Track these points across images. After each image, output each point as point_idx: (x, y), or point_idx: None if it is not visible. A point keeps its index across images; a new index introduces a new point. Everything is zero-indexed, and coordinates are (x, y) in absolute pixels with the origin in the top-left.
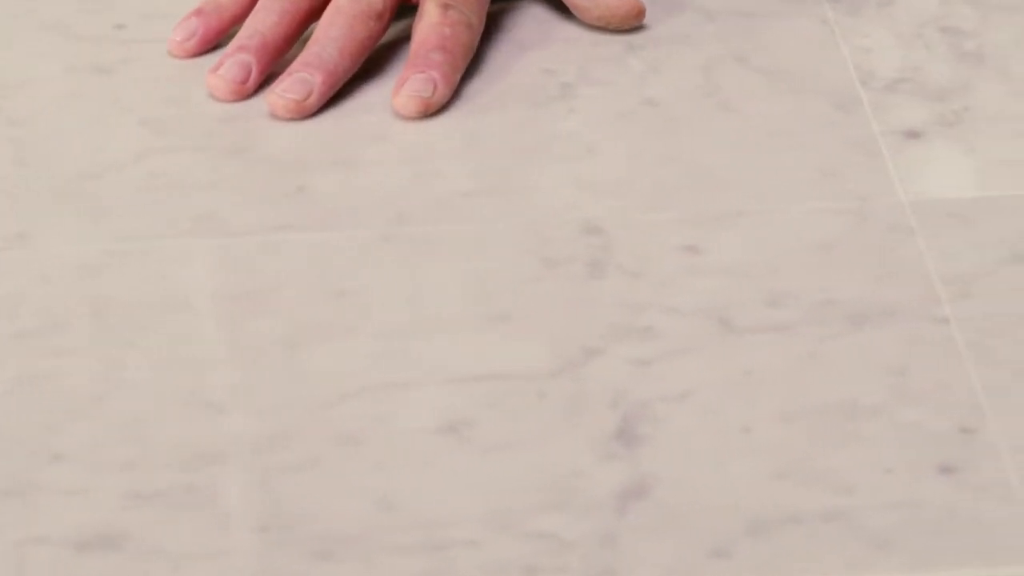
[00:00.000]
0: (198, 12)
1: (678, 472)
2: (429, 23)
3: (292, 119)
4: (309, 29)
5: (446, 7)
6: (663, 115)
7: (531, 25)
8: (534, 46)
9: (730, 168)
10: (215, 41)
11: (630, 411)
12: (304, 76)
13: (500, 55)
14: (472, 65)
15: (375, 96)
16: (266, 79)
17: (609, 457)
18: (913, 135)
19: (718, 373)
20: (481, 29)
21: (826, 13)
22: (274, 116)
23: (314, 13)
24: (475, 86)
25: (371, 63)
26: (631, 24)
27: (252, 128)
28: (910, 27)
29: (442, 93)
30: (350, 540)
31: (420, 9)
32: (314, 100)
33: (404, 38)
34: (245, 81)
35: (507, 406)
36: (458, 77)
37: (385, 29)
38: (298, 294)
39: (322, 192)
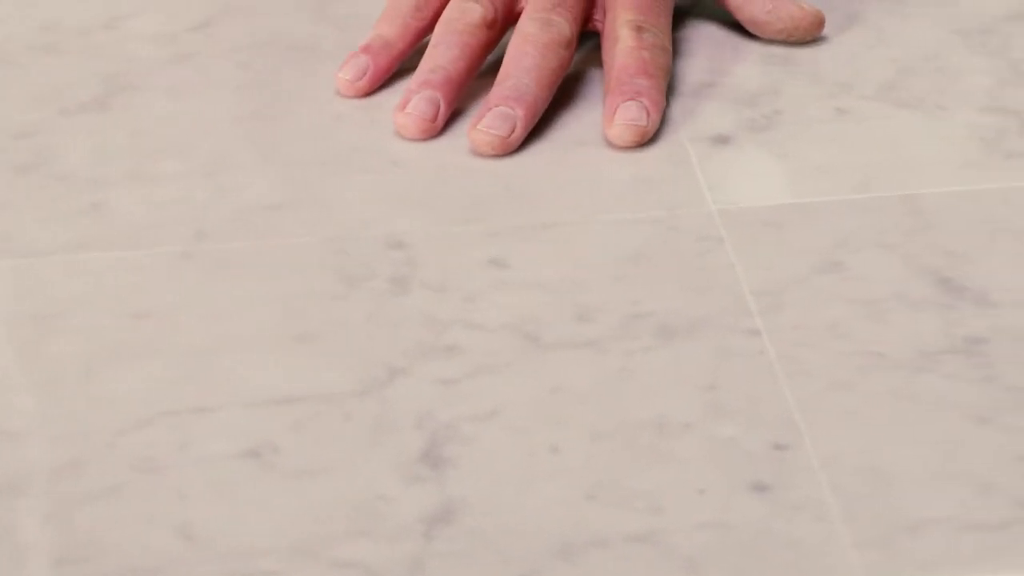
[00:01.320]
0: (366, 49)
1: (486, 494)
2: (626, 48)
3: (496, 156)
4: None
5: (640, 30)
6: (467, 125)
7: None
8: (332, 54)
9: (536, 179)
10: (384, 79)
11: (436, 432)
12: (506, 111)
13: None
14: (274, 73)
15: None
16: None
17: (415, 480)
18: (722, 141)
19: (526, 391)
20: (671, 51)
21: None
22: (477, 153)
23: (491, 44)
24: (278, 94)
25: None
26: (814, 35)
27: (44, 144)
28: (718, 30)
29: (655, 120)
30: (149, 572)
31: (610, 34)
32: (518, 135)
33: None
34: (434, 119)
35: (311, 429)
36: (664, 102)
37: (572, 57)
38: (95, 316)
39: (119, 209)
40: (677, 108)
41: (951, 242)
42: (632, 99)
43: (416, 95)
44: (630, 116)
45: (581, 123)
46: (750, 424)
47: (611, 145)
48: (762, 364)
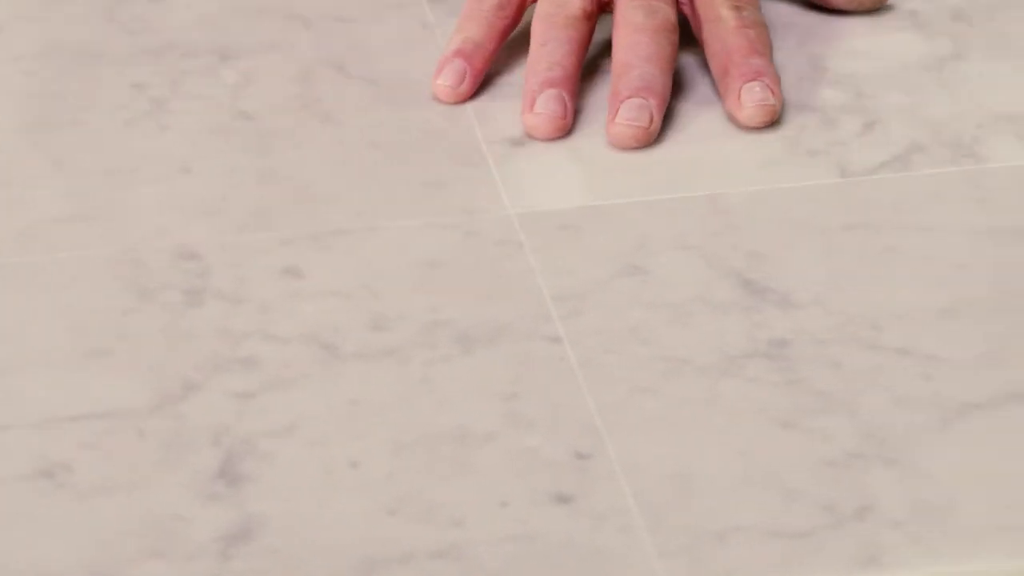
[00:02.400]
0: (458, 53)
1: (285, 511)
2: (730, 28)
3: (639, 148)
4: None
5: (738, 8)
6: (259, 129)
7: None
8: (122, 60)
9: (331, 184)
10: (481, 80)
11: (233, 448)
12: (640, 101)
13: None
14: (62, 80)
15: None
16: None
17: (212, 498)
18: (520, 143)
19: (324, 403)
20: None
21: (427, 16)
22: (619, 146)
23: (591, 35)
24: (66, 102)
25: None
26: (881, 4)
27: None
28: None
29: (779, 98)
30: None
31: (708, 15)
32: (656, 124)
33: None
34: (564, 116)
35: (105, 447)
36: (779, 78)
37: (678, 42)
38: None
39: None
40: (473, 109)
41: (753, 243)
42: (754, 79)
43: (542, 95)
44: (758, 97)
45: (363, 126)
46: (552, 433)
47: (743, 128)
48: (563, 371)
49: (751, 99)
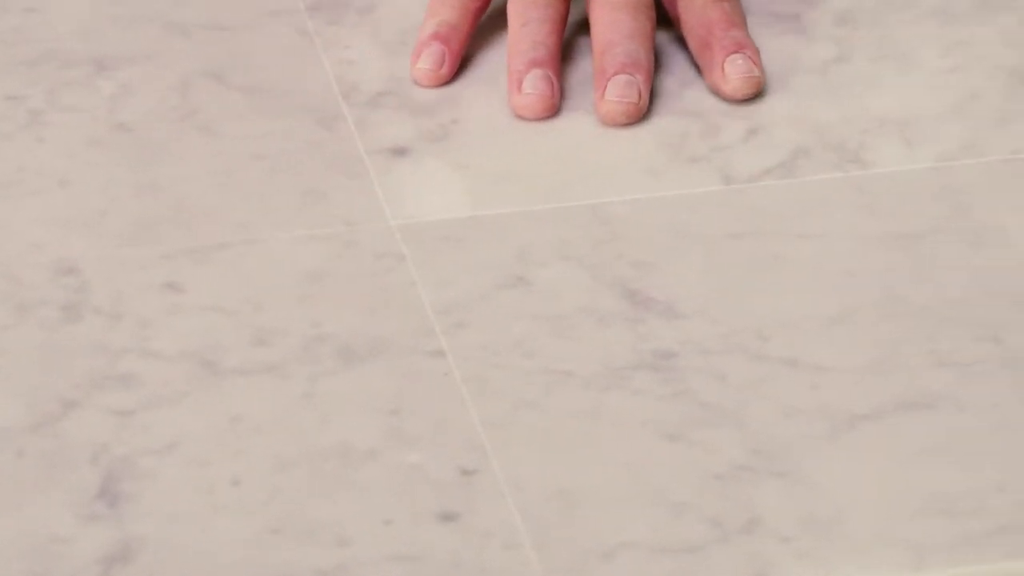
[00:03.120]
0: (435, 36)
1: (166, 532)
2: (705, 1)
3: (629, 124)
4: None
5: None
6: (138, 141)
7: None
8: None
9: (210, 196)
10: (459, 62)
11: (113, 467)
12: (627, 78)
13: None
14: None
15: None
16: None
17: (92, 519)
18: (400, 153)
19: (205, 421)
20: None
21: (305, 23)
22: (610, 123)
23: (568, 13)
24: None
25: None
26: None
27: None
28: (393, 35)
29: (762, 69)
30: None
31: None
32: (645, 100)
33: None
34: (552, 95)
35: None
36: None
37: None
38: None
39: None
40: (353, 118)
41: (637, 252)
42: (736, 52)
43: (529, 75)
44: (742, 70)
45: (243, 137)
46: (436, 449)
47: (727, 100)
48: (447, 386)
49: (736, 72)
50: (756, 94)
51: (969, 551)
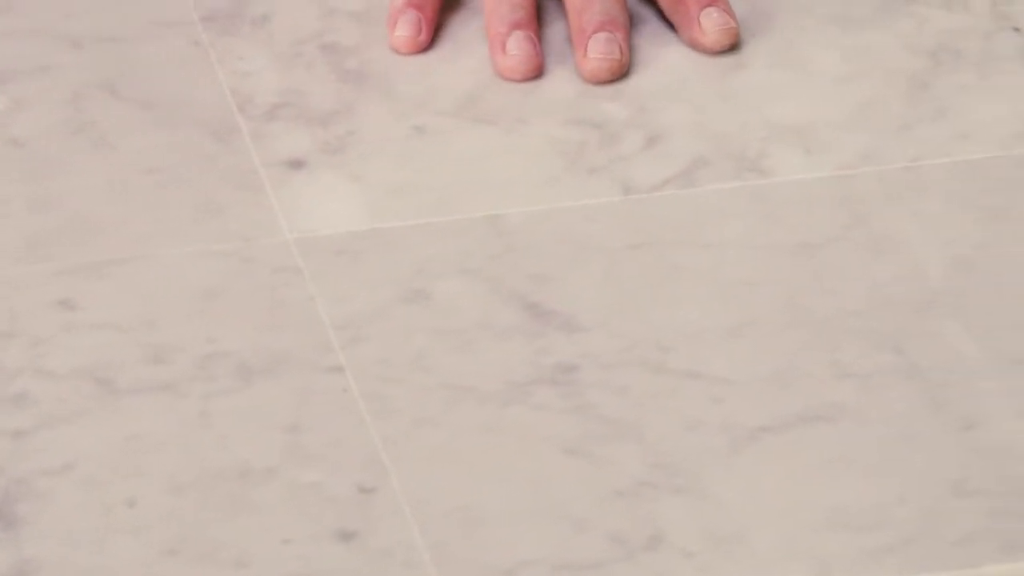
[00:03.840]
0: (409, 4)
1: (61, 554)
2: None
3: (613, 81)
4: None
5: None
6: (30, 155)
7: None
8: None
9: (105, 211)
10: (434, 29)
11: (8, 488)
12: (607, 35)
13: None
14: None
15: None
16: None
17: None
18: (297, 165)
19: (101, 441)
20: None
21: (199, 34)
22: (594, 80)
23: None
24: None
25: None
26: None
27: None
28: (288, 46)
29: (736, 20)
30: None
31: None
32: (626, 57)
33: None
34: (537, 55)
35: None
36: None
37: None
38: None
39: None
40: (248, 131)
41: (536, 265)
42: (710, 5)
43: (511, 36)
44: (719, 22)
45: (137, 150)
46: (335, 467)
47: (706, 53)
48: (346, 402)
49: (712, 24)
50: (734, 45)
51: (872, 565)
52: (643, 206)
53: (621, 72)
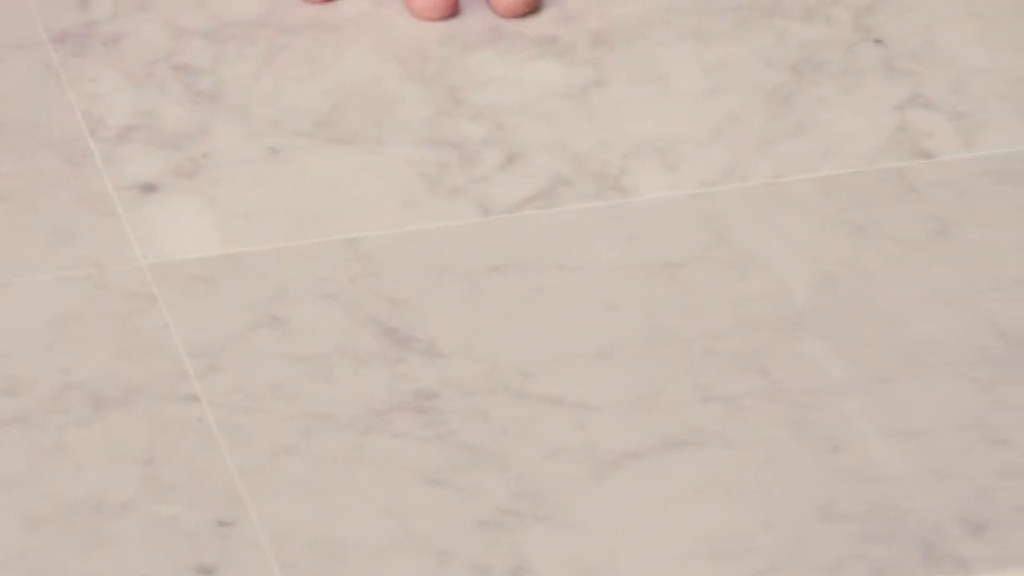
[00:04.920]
0: None
1: None
2: None
3: (528, 15)
4: None
5: None
6: None
7: None
8: None
9: None
10: None
11: None
12: None
13: None
14: None
15: None
16: None
17: None
18: (150, 189)
19: None
20: None
21: (50, 56)
22: (511, 15)
23: None
24: None
25: None
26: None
27: None
28: (141, 66)
29: None
30: None
31: None
32: None
33: None
34: None
35: None
36: None
37: None
38: None
39: None
40: (100, 154)
41: (396, 289)
42: None
43: None
44: None
45: None
46: (192, 500)
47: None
48: (202, 433)
49: None
50: (533, 11)
51: None
52: (503, 227)
53: (536, 5)
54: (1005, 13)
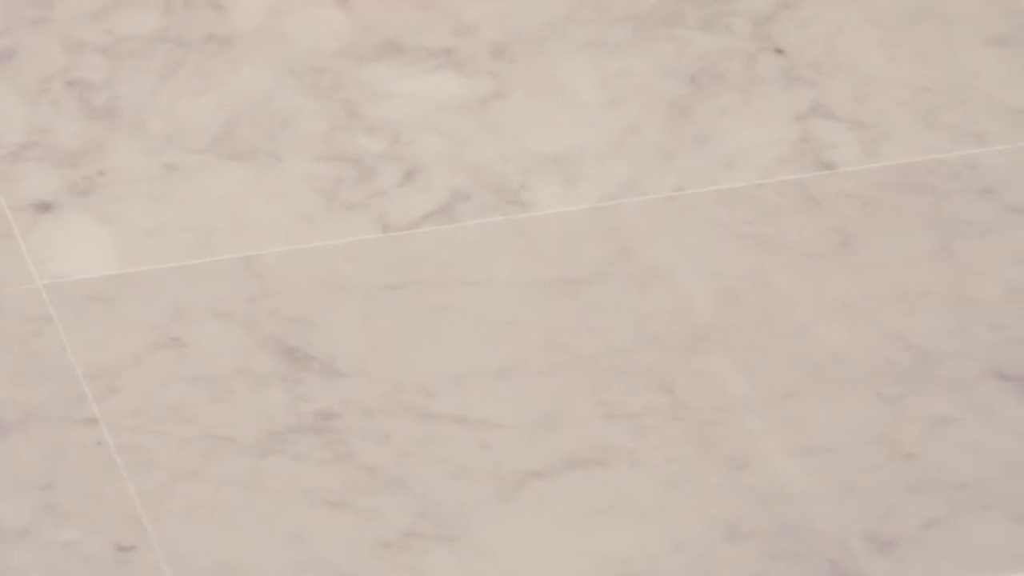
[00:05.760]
0: None
1: None
2: None
3: None
4: None
5: None
6: None
7: None
8: None
9: None
10: None
11: None
12: None
13: None
14: None
15: None
16: None
17: None
18: (45, 208)
19: None
20: None
21: None
22: None
23: None
24: None
25: None
26: None
27: None
28: (35, 82)
29: None
30: None
31: None
32: None
33: None
34: None
35: None
36: None
37: None
38: None
39: None
40: None
41: (294, 307)
42: None
43: None
44: None
45: None
46: (92, 525)
47: None
48: (102, 457)
49: None
50: None
51: None
52: (402, 243)
53: None
54: (907, 21)
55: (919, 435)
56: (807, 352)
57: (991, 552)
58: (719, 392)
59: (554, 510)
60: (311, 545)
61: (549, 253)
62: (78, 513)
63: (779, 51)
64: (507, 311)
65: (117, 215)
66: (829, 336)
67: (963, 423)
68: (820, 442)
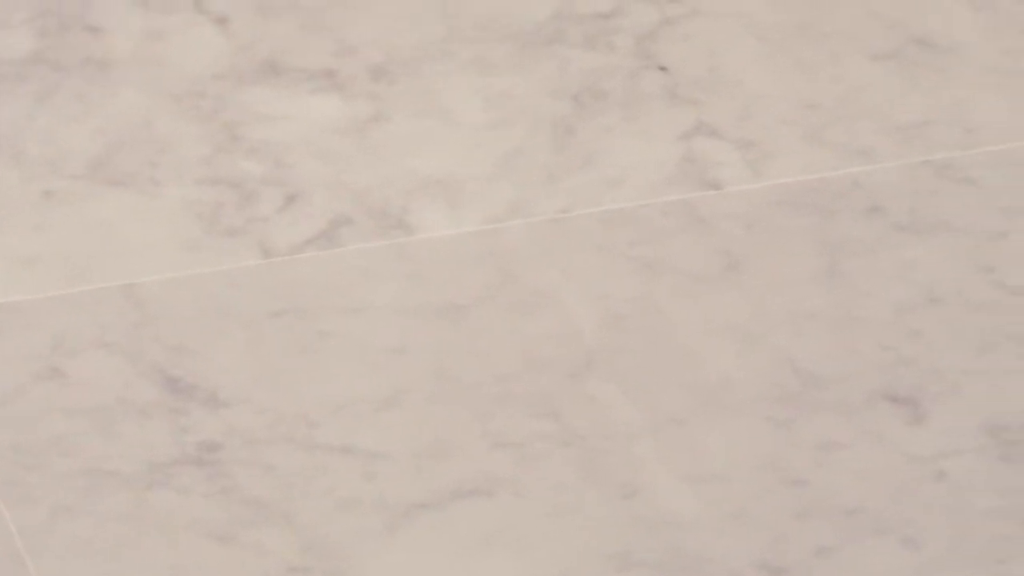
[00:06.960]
0: None
1: None
2: None
3: None
4: None
5: None
6: None
7: None
8: None
9: None
10: None
11: None
12: None
13: None
14: None
15: None
16: None
17: None
18: None
19: None
20: None
21: None
22: None
23: None
24: None
25: None
26: None
27: None
28: None
29: None
30: None
31: None
32: None
33: None
34: None
35: None
36: None
37: None
38: None
39: None
40: None
41: (176, 336)
42: None
43: None
44: None
45: None
46: None
47: None
48: None
49: None
50: None
51: None
52: (284, 269)
53: None
54: (791, 36)
55: (808, 460)
56: (695, 376)
57: None
58: (606, 418)
59: (441, 541)
60: None
61: (433, 278)
62: None
63: (662, 68)
64: (391, 338)
65: None
66: (717, 360)
67: (852, 448)
68: (710, 468)
